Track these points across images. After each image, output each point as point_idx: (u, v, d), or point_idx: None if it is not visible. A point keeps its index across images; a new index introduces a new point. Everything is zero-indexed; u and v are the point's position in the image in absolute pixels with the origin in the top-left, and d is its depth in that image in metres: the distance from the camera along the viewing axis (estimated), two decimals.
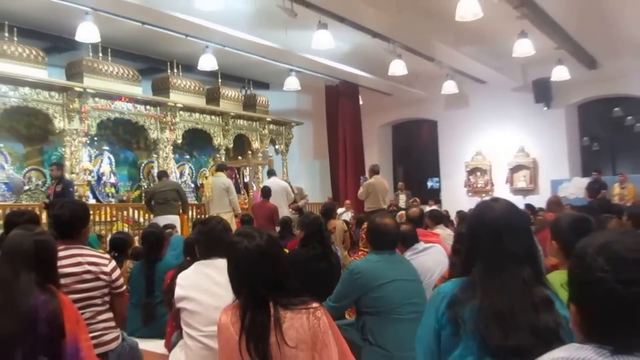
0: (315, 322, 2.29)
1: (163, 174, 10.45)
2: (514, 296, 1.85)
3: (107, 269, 3.41)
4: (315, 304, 2.36)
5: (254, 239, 2.44)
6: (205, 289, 3.07)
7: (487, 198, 2.21)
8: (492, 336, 1.79)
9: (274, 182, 10.68)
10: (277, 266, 2.41)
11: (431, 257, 4.65)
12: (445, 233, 6.60)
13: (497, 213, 2.00)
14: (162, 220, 8.66)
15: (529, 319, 1.81)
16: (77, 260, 3.32)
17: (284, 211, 10.08)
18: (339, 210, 12.11)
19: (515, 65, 13.60)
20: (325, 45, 9.63)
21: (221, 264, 3.01)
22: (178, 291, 3.11)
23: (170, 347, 3.89)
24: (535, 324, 1.80)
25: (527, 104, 14.21)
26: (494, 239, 1.94)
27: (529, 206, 10.09)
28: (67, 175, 9.71)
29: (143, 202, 10.48)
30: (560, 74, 12.62)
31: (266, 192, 9.97)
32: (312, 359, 2.28)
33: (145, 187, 12.37)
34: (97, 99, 10.73)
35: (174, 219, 9.11)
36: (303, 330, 2.27)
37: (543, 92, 13.96)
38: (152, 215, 10.00)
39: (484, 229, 1.99)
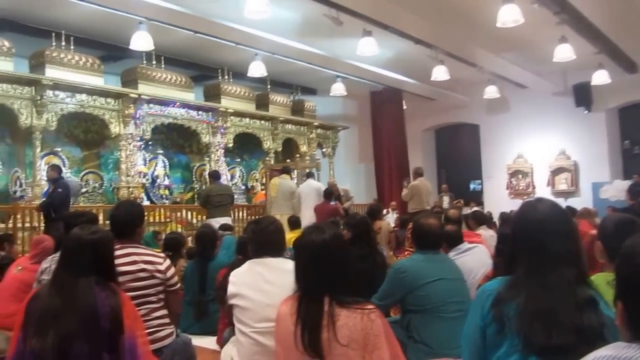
0: (369, 324, 2.30)
1: (218, 176, 10.43)
2: (557, 295, 1.84)
3: (162, 267, 3.44)
4: (370, 306, 2.37)
5: (322, 233, 2.50)
6: (256, 286, 3.09)
7: (531, 199, 2.21)
8: (535, 335, 1.79)
9: (307, 184, 10.74)
10: (338, 263, 2.45)
11: (475, 257, 4.65)
12: (488, 234, 6.51)
13: (541, 214, 1.99)
14: (220, 221, 8.73)
15: (572, 319, 1.80)
16: (132, 259, 3.36)
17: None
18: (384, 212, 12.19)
19: (556, 70, 13.48)
20: (370, 52, 9.71)
21: (272, 262, 3.20)
22: (230, 288, 3.14)
23: (222, 343, 3.98)
24: (579, 323, 1.79)
25: (567, 108, 14.14)
26: (537, 239, 1.94)
27: (570, 208, 10.04)
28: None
29: (197, 202, 10.56)
30: (600, 78, 12.43)
31: (328, 193, 10.07)
32: (362, 359, 2.30)
33: (198, 189, 12.66)
34: (151, 105, 11.02)
35: (227, 221, 9.15)
36: (356, 330, 2.29)
37: (583, 96, 13.86)
38: (205, 217, 10.12)
39: (528, 229, 1.99)
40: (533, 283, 1.88)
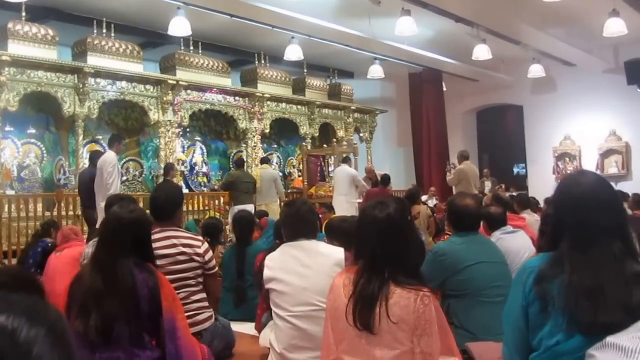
0: (421, 307, 2.27)
1: (242, 163, 10.61)
2: (604, 271, 1.76)
3: (201, 251, 3.48)
4: (426, 290, 2.33)
5: (387, 207, 2.45)
6: (292, 270, 3.10)
7: (573, 172, 2.16)
8: (581, 312, 1.72)
9: (341, 170, 10.67)
10: (401, 240, 2.41)
11: (519, 240, 4.52)
12: (533, 219, 6.35)
13: (585, 186, 1.90)
14: (247, 208, 8.85)
15: (620, 295, 1.71)
16: (171, 242, 3.41)
17: (345, 198, 10.05)
18: (423, 197, 12.01)
19: (606, 46, 13.06)
20: (409, 32, 9.50)
21: (307, 245, 3.20)
22: (266, 272, 3.15)
23: (260, 328, 3.97)
24: (627, 300, 1.70)
25: (618, 86, 13.54)
26: (581, 212, 1.85)
27: (621, 192, 9.67)
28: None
29: (218, 184, 10.56)
30: None
31: (386, 179, 10.02)
32: (410, 342, 2.28)
33: None
34: (189, 91, 11.05)
35: (251, 207, 9.29)
36: (407, 311, 2.27)
37: (636, 73, 13.23)
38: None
39: (571, 202, 1.90)
40: (577, 258, 1.80)
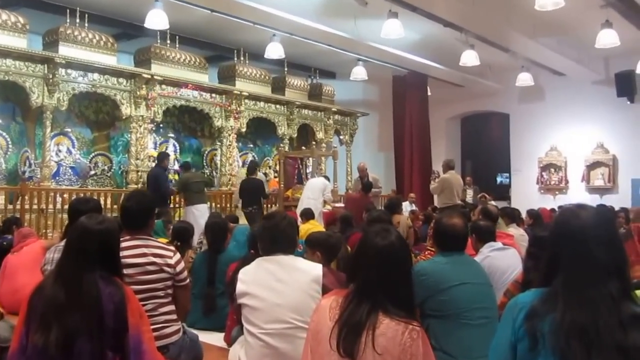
0: (408, 341, 2.20)
1: (188, 166, 10.67)
2: (599, 311, 1.70)
3: (172, 261, 3.40)
4: (416, 324, 2.26)
5: (390, 235, 2.39)
6: (267, 285, 3.03)
7: (572, 205, 1.99)
8: (573, 353, 1.65)
9: (317, 179, 10.83)
10: (399, 270, 2.35)
11: (507, 258, 4.51)
12: (518, 233, 6.27)
13: (584, 221, 1.84)
14: (200, 207, 9.41)
15: (615, 337, 1.66)
16: (141, 251, 3.32)
17: (314, 202, 9.84)
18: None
19: (597, 57, 12.96)
20: (395, 35, 9.41)
21: (284, 260, 3.12)
22: (240, 287, 3.08)
23: (230, 341, 3.89)
24: (623, 342, 1.65)
25: (608, 97, 13.44)
26: (579, 248, 1.78)
27: (603, 206, 9.51)
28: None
29: (175, 188, 10.22)
30: None
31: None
32: None
33: (207, 174, 12.59)
34: (163, 86, 10.87)
35: (207, 207, 9.66)
36: (393, 343, 2.19)
37: (626, 85, 13.12)
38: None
39: (569, 237, 1.83)
40: (572, 296, 1.74)
